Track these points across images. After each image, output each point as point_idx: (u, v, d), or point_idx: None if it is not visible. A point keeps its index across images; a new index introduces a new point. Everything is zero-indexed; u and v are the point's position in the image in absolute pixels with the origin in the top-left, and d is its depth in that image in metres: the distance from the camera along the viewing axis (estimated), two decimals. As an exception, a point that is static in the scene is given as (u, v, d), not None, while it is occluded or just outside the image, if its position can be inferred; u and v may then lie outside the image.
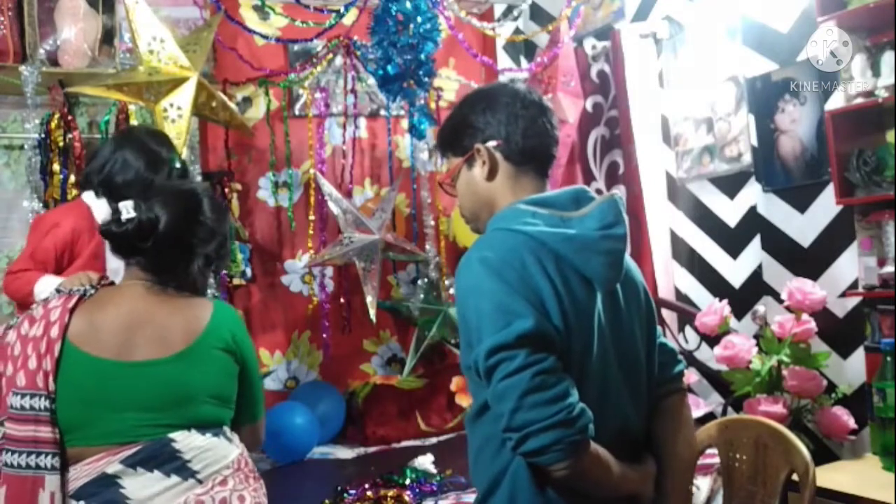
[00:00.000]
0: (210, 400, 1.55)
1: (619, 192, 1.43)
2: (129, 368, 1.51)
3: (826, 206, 2.66)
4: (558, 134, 1.47)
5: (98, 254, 2.20)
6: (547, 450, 1.21)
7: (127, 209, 1.54)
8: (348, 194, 3.72)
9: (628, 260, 1.46)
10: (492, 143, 1.41)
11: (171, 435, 1.49)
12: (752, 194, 2.96)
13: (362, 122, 3.84)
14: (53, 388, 1.47)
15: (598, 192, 3.36)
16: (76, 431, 1.48)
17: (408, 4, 2.78)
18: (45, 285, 2.07)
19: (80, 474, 1.46)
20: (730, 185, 3.05)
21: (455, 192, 1.50)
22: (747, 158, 2.95)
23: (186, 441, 1.50)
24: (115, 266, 2.13)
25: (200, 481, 1.49)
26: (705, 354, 2.96)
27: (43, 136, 3.03)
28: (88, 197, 2.29)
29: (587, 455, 1.25)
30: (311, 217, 3.61)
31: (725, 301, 2.76)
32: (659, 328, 1.55)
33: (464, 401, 3.40)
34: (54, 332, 1.50)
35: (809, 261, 2.73)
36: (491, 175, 1.42)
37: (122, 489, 1.44)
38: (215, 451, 1.52)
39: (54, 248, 2.18)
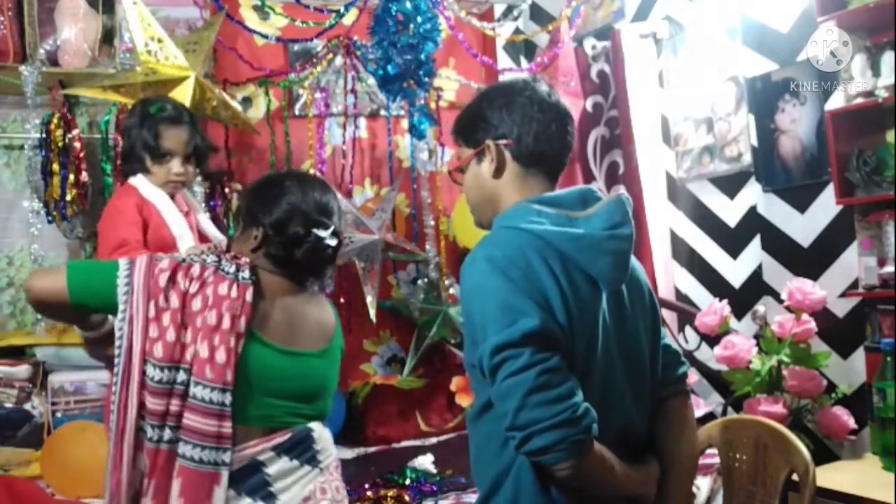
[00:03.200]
0: (332, 394, 1.70)
1: (623, 191, 1.42)
2: (292, 357, 1.58)
3: (826, 206, 2.66)
4: (572, 140, 1.45)
5: (161, 222, 2.19)
6: (550, 449, 1.21)
7: (329, 236, 1.62)
8: (348, 194, 3.72)
9: (633, 261, 1.46)
10: (502, 142, 1.40)
11: (311, 425, 1.60)
12: (752, 194, 2.96)
13: (362, 122, 3.84)
14: (233, 381, 1.48)
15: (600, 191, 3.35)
16: (237, 410, 1.49)
17: (408, 4, 2.78)
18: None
19: (234, 460, 1.49)
20: (730, 185, 3.05)
21: (461, 181, 1.50)
22: (747, 158, 2.95)
23: (319, 432, 1.62)
24: (180, 232, 2.18)
25: (322, 472, 1.60)
26: (705, 354, 2.96)
27: (43, 136, 3.03)
28: (137, 180, 2.25)
29: (591, 455, 1.25)
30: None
31: (725, 301, 2.76)
32: (664, 330, 1.55)
33: (464, 401, 3.40)
34: (241, 325, 1.50)
35: (809, 261, 2.73)
36: (498, 172, 1.42)
37: (266, 476, 1.51)
38: (331, 446, 1.66)
39: (134, 221, 2.14)
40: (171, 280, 1.50)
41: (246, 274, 1.55)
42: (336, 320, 1.74)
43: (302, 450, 1.56)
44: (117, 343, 1.49)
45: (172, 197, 2.28)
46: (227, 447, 1.47)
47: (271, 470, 1.52)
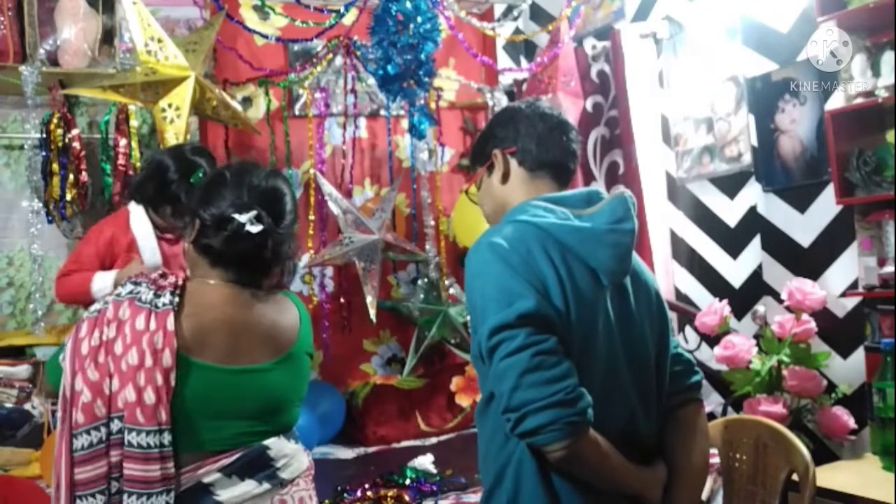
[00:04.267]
0: (297, 404, 1.55)
1: (626, 190, 1.46)
2: (235, 375, 1.44)
3: (826, 206, 2.66)
4: (577, 148, 1.53)
5: (132, 248, 2.32)
6: (544, 429, 1.22)
7: (251, 220, 1.45)
8: (348, 194, 3.72)
9: (641, 263, 1.49)
10: (507, 150, 1.50)
11: (266, 442, 1.47)
12: (752, 194, 2.96)
13: (362, 122, 3.84)
14: (170, 420, 1.37)
15: (598, 192, 3.36)
16: (177, 438, 1.39)
17: (408, 4, 2.78)
18: (102, 282, 2.16)
19: (179, 482, 1.40)
20: (730, 185, 3.05)
21: (477, 199, 1.59)
22: (747, 158, 2.95)
23: (278, 447, 1.49)
24: (151, 262, 2.23)
25: (283, 485, 1.48)
26: (705, 354, 2.97)
27: (43, 136, 3.03)
28: (137, 210, 2.40)
29: (585, 438, 1.26)
30: (311, 217, 3.60)
31: (725, 301, 2.76)
32: (676, 339, 1.56)
33: (464, 401, 3.40)
34: (166, 358, 1.38)
35: (809, 261, 2.73)
36: (505, 178, 1.50)
37: (216, 497, 1.40)
38: (298, 458, 1.53)
39: (97, 252, 2.30)
40: (89, 341, 1.41)
41: (166, 299, 1.42)
42: (302, 321, 1.58)
43: (256, 469, 1.44)
44: (58, 427, 1.43)
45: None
46: (160, 490, 1.36)
47: (222, 495, 1.41)
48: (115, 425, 1.37)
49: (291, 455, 1.51)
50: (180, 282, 1.48)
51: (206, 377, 1.42)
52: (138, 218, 2.31)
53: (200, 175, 2.27)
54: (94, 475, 1.36)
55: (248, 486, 1.43)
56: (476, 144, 1.60)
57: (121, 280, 1.93)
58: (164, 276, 1.50)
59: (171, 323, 1.40)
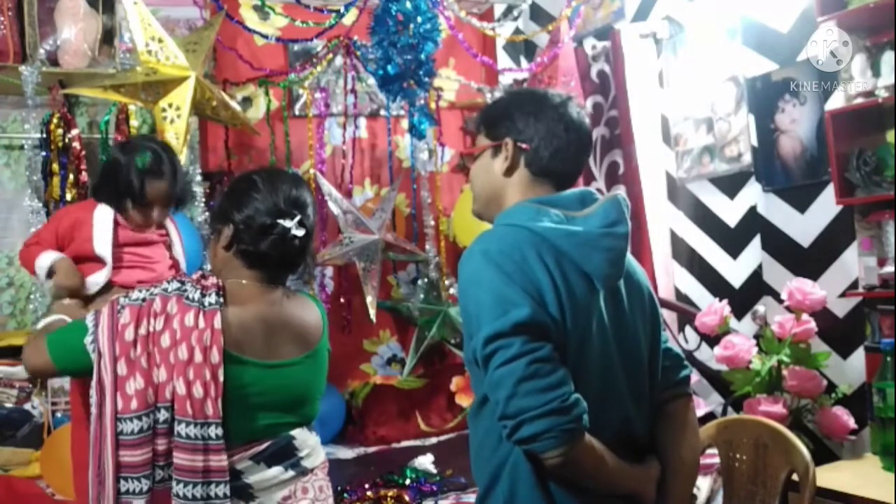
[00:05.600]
0: (318, 397, 1.67)
1: (620, 192, 1.44)
2: (272, 370, 1.55)
3: (826, 206, 2.66)
4: (587, 160, 1.51)
5: (88, 237, 2.26)
6: (540, 437, 1.22)
7: (296, 226, 1.57)
8: (348, 194, 3.72)
9: (633, 263, 1.48)
10: (520, 145, 1.44)
11: (293, 433, 1.58)
12: (752, 194, 2.96)
13: (362, 122, 3.84)
14: (222, 414, 1.46)
15: (599, 192, 3.36)
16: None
17: (408, 4, 2.78)
18: (43, 262, 2.17)
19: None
20: (730, 185, 3.05)
21: (471, 167, 1.54)
22: (747, 158, 2.95)
23: (302, 438, 1.60)
24: (101, 252, 2.23)
25: (304, 474, 1.59)
26: (705, 354, 2.96)
27: (43, 136, 3.03)
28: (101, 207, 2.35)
29: (581, 444, 1.26)
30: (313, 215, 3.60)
31: (725, 301, 2.76)
32: (666, 334, 1.55)
33: (464, 401, 3.40)
34: (214, 356, 1.47)
35: (809, 261, 2.73)
36: (509, 171, 1.45)
37: (246, 482, 1.51)
38: (318, 450, 1.64)
39: (55, 231, 2.27)
40: (136, 329, 1.48)
41: (212, 298, 1.51)
42: (322, 319, 1.69)
43: (283, 457, 1.55)
44: (92, 410, 1.50)
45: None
46: (216, 480, 1.46)
47: (251, 479, 1.51)
48: (162, 415, 1.46)
49: (313, 447, 1.62)
50: (219, 282, 1.57)
51: (247, 373, 1.52)
52: (102, 213, 2.29)
53: (148, 158, 2.26)
54: (141, 460, 1.45)
55: (275, 472, 1.54)
56: (492, 112, 1.50)
57: (59, 270, 2.08)
58: (204, 276, 1.58)
59: (218, 321, 1.49)
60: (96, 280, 2.21)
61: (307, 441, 1.61)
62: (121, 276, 2.24)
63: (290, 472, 1.56)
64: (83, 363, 1.51)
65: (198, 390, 1.45)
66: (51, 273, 2.14)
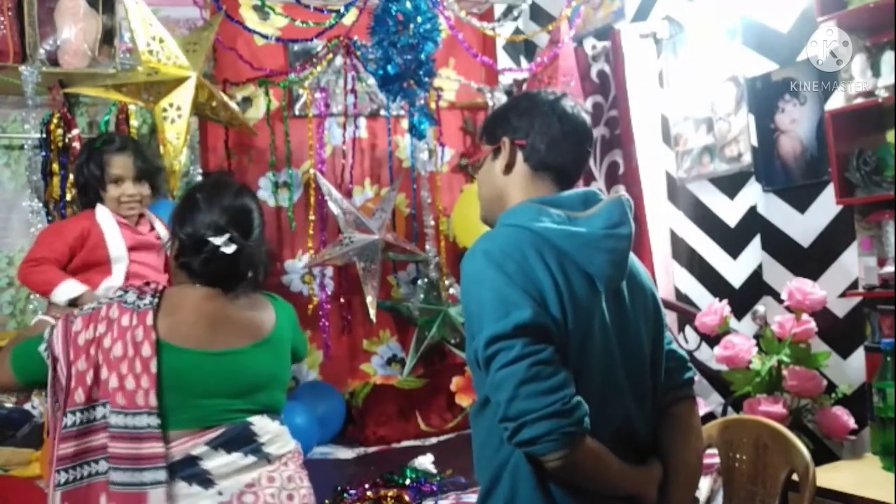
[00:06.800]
0: (279, 388, 1.72)
1: (622, 192, 1.44)
2: (215, 357, 1.61)
3: (826, 206, 2.66)
4: (588, 155, 1.51)
5: (100, 243, 2.31)
6: (541, 439, 1.22)
7: (225, 243, 1.63)
8: (348, 194, 3.72)
9: (637, 263, 1.48)
10: (517, 142, 1.46)
11: (250, 419, 1.63)
12: (752, 194, 2.96)
13: (362, 122, 3.84)
14: (156, 404, 1.54)
15: (600, 192, 3.36)
16: (166, 417, 1.56)
17: (408, 4, 2.78)
18: (67, 289, 2.20)
19: (169, 455, 1.56)
20: (730, 185, 3.05)
21: (476, 178, 1.58)
22: (747, 158, 2.95)
23: (262, 425, 1.64)
24: (117, 255, 2.30)
25: (270, 461, 1.63)
26: (705, 354, 2.96)
27: (43, 136, 3.03)
28: (98, 209, 2.39)
29: (582, 447, 1.26)
30: (311, 217, 3.61)
31: (725, 301, 2.76)
32: (670, 335, 1.55)
33: (464, 401, 3.40)
34: (145, 350, 1.56)
35: (809, 261, 2.73)
36: (508, 169, 1.47)
37: (202, 466, 1.56)
38: (283, 438, 1.69)
39: (66, 245, 2.30)
40: (85, 334, 1.58)
41: (146, 300, 1.61)
42: (279, 316, 1.75)
43: (241, 443, 1.60)
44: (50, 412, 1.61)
45: (138, 221, 2.42)
46: (147, 467, 1.52)
47: (208, 464, 1.57)
48: (99, 411, 1.56)
49: (276, 434, 1.67)
50: (160, 287, 1.68)
51: (187, 360, 1.59)
52: (105, 217, 2.35)
53: (104, 137, 2.38)
54: (65, 453, 1.54)
55: (234, 458, 1.59)
56: (490, 120, 1.55)
57: (84, 301, 2.10)
58: (147, 284, 1.70)
59: (149, 319, 1.59)
60: (110, 284, 2.25)
61: (266, 427, 1.65)
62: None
63: (251, 458, 1.60)
64: (41, 372, 1.60)
65: (129, 382, 1.54)
66: (74, 302, 2.17)
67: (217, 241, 1.63)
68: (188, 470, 1.55)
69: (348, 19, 3.24)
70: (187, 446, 1.56)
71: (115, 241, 2.31)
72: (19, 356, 1.64)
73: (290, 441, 1.72)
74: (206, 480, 1.56)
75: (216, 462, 1.57)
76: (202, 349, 1.61)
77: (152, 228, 2.47)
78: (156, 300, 1.62)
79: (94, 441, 1.56)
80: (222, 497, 1.56)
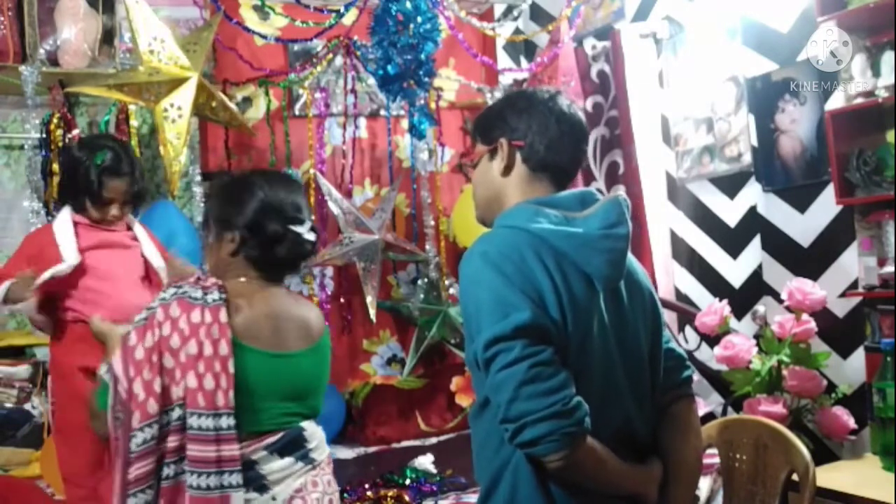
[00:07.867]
0: (322, 391, 1.71)
1: (620, 192, 1.44)
2: (281, 359, 1.59)
3: (826, 206, 2.66)
4: (584, 154, 1.50)
5: (56, 256, 2.28)
6: (542, 440, 1.22)
7: (307, 231, 1.64)
8: (348, 194, 3.72)
9: (635, 263, 1.47)
10: (515, 143, 1.45)
11: (303, 424, 1.62)
12: (752, 194, 2.96)
13: (362, 122, 3.84)
14: (234, 405, 1.49)
15: (600, 192, 3.36)
16: (238, 421, 1.51)
17: (408, 4, 2.78)
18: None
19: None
20: (730, 185, 3.05)
21: (472, 178, 1.55)
22: (747, 158, 2.95)
23: (311, 430, 1.64)
24: (69, 260, 2.27)
25: (314, 467, 1.62)
26: (705, 354, 2.96)
27: (43, 136, 3.03)
28: (62, 215, 2.38)
29: (582, 447, 1.25)
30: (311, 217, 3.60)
31: (725, 301, 2.76)
32: (668, 334, 1.55)
33: (464, 401, 3.40)
34: (223, 348, 1.50)
35: (809, 261, 2.73)
36: (506, 171, 1.45)
37: (260, 471, 1.53)
38: (324, 443, 1.68)
39: (25, 258, 2.30)
40: (142, 344, 1.50)
41: (215, 295, 1.53)
42: (322, 318, 1.75)
43: (294, 448, 1.59)
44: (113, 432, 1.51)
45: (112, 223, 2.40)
46: (229, 469, 1.48)
47: (265, 468, 1.54)
48: (175, 413, 1.49)
49: (321, 439, 1.67)
50: (220, 282, 1.59)
51: (259, 362, 1.55)
52: (60, 222, 2.32)
53: (107, 156, 2.31)
54: (143, 472, 1.46)
55: (287, 463, 1.56)
56: (484, 118, 1.51)
57: (14, 294, 2.13)
58: (200, 278, 1.60)
59: (224, 315, 1.52)
60: (59, 268, 2.22)
61: (315, 433, 1.64)
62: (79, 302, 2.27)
63: (300, 464, 1.58)
64: None
65: (209, 382, 1.48)
66: (6, 300, 2.18)
67: (300, 229, 1.62)
68: (247, 474, 1.51)
69: (348, 19, 3.24)
70: (249, 450, 1.52)
71: (68, 249, 2.28)
72: (98, 394, 1.56)
73: (326, 447, 1.70)
74: (262, 486, 1.52)
75: (272, 466, 1.54)
76: (267, 350, 1.57)
77: (129, 228, 2.45)
78: (223, 295, 1.55)
79: (170, 443, 1.49)
80: (276, 502, 1.53)
